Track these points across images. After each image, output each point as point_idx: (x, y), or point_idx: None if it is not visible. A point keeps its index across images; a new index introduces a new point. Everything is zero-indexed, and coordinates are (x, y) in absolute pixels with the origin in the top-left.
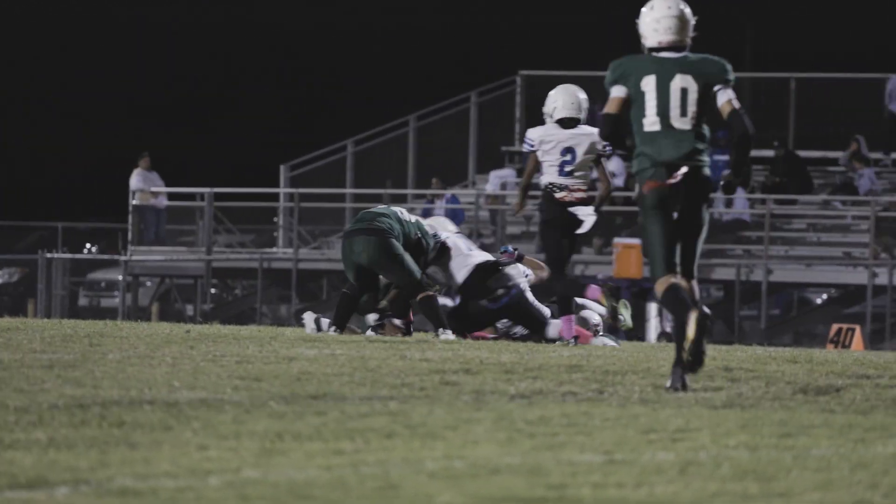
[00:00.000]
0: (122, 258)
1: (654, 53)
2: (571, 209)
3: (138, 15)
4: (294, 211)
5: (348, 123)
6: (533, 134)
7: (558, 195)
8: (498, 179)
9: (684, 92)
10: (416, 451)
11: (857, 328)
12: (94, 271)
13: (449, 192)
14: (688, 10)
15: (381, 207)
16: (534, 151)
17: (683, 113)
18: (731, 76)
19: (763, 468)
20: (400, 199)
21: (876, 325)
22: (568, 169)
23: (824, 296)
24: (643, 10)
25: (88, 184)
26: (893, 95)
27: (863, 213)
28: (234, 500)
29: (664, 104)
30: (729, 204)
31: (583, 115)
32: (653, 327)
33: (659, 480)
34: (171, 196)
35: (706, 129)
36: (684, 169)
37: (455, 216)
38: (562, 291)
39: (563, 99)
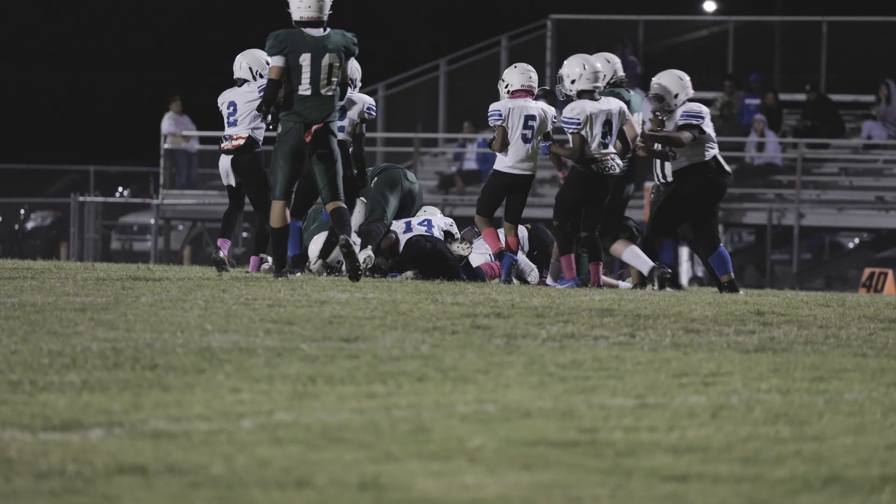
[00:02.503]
0: (154, 202)
1: (302, 27)
2: None
3: None
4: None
5: (379, 67)
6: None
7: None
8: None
9: (330, 67)
10: (448, 394)
11: (890, 272)
12: (126, 215)
13: (480, 137)
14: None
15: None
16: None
17: (328, 83)
18: (357, 50)
19: (795, 412)
20: (431, 143)
21: None
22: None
23: (856, 240)
24: None
25: (120, 127)
26: None
27: (894, 156)
28: (267, 443)
29: (316, 76)
30: (760, 148)
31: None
32: (684, 272)
33: (691, 424)
34: (202, 140)
35: (338, 92)
36: (316, 127)
37: (486, 160)
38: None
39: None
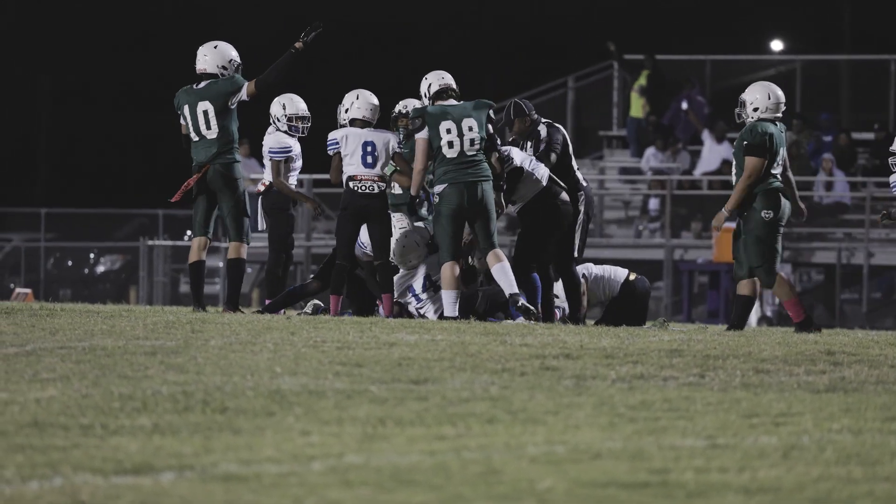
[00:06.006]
0: (223, 245)
1: (199, 80)
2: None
3: (238, 13)
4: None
5: None
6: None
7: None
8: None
9: (206, 113)
10: (518, 436)
11: None
12: None
13: None
14: (211, 56)
15: None
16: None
17: (208, 127)
18: (238, 84)
19: (867, 452)
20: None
21: None
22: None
23: None
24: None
25: (188, 171)
26: None
27: None
28: (337, 486)
29: (195, 122)
30: (829, 187)
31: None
32: (753, 311)
33: (762, 465)
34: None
35: (234, 134)
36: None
37: None
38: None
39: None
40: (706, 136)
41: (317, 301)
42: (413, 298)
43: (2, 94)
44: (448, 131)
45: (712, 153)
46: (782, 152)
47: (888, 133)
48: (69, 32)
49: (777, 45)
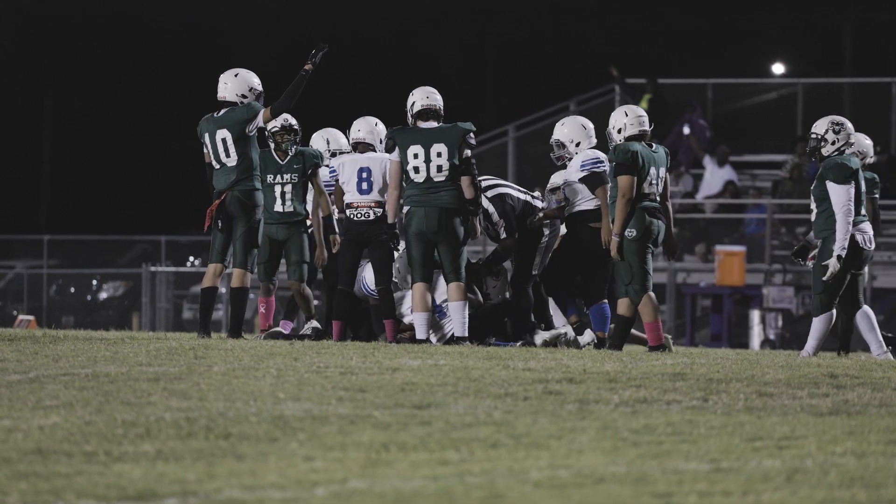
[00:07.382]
0: (226, 271)
1: (214, 113)
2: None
3: (245, 37)
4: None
5: None
6: None
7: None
8: None
9: (224, 141)
10: (521, 460)
11: None
12: (198, 284)
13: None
14: (231, 84)
15: None
16: None
17: (227, 155)
18: (254, 111)
19: (871, 475)
20: None
21: None
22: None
23: None
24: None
25: (191, 197)
26: None
27: None
28: None
29: (215, 150)
30: None
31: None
32: (756, 335)
33: (766, 488)
34: None
35: (253, 161)
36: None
37: None
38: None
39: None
40: (707, 160)
41: (315, 323)
42: None
43: (5, 119)
44: (415, 156)
45: (714, 177)
46: (655, 172)
47: (889, 155)
48: (72, 57)
49: (778, 68)
